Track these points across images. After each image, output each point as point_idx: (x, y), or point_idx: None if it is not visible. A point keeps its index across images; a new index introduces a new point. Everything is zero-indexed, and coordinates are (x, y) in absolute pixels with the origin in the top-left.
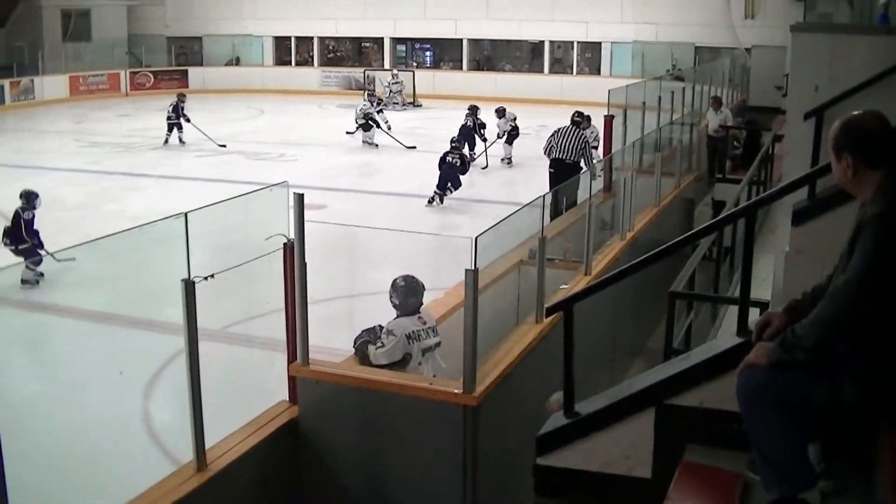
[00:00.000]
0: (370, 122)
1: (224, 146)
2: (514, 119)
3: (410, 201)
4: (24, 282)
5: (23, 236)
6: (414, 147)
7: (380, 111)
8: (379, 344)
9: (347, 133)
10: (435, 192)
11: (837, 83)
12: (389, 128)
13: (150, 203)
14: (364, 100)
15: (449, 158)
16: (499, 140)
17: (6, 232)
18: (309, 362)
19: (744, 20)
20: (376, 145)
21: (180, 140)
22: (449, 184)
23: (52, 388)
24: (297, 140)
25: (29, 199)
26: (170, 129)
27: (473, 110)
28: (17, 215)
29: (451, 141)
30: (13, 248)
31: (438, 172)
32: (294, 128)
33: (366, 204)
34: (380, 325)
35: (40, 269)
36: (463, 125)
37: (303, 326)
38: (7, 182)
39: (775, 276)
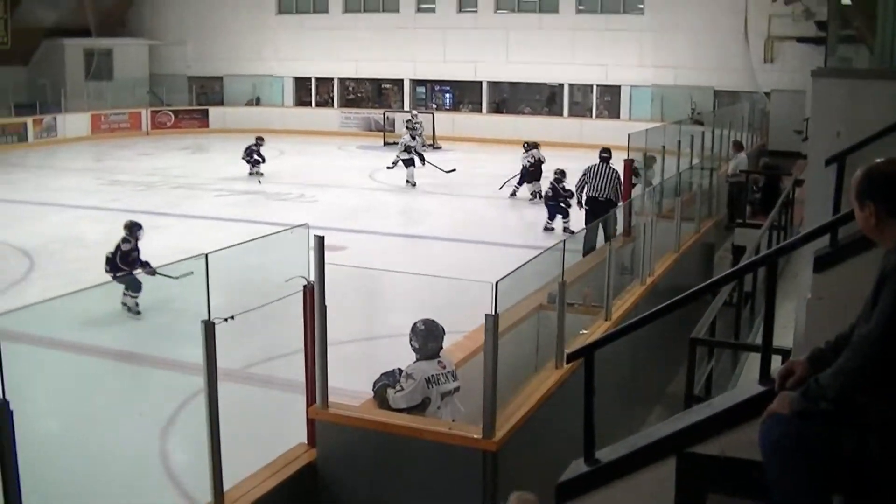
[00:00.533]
0: (413, 156)
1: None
2: (533, 156)
3: (430, 243)
4: (125, 306)
5: (119, 265)
6: (454, 170)
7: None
8: (398, 387)
9: (388, 168)
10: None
11: (859, 129)
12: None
13: (170, 242)
14: (405, 132)
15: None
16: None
17: (108, 259)
18: (328, 405)
19: (763, 64)
20: (414, 184)
21: (257, 176)
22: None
23: (72, 425)
24: (317, 181)
25: (131, 230)
26: (253, 164)
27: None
28: (116, 246)
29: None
30: (112, 275)
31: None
32: (314, 168)
33: (385, 245)
34: (399, 369)
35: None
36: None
37: (322, 369)
38: (29, 219)
39: (797, 323)
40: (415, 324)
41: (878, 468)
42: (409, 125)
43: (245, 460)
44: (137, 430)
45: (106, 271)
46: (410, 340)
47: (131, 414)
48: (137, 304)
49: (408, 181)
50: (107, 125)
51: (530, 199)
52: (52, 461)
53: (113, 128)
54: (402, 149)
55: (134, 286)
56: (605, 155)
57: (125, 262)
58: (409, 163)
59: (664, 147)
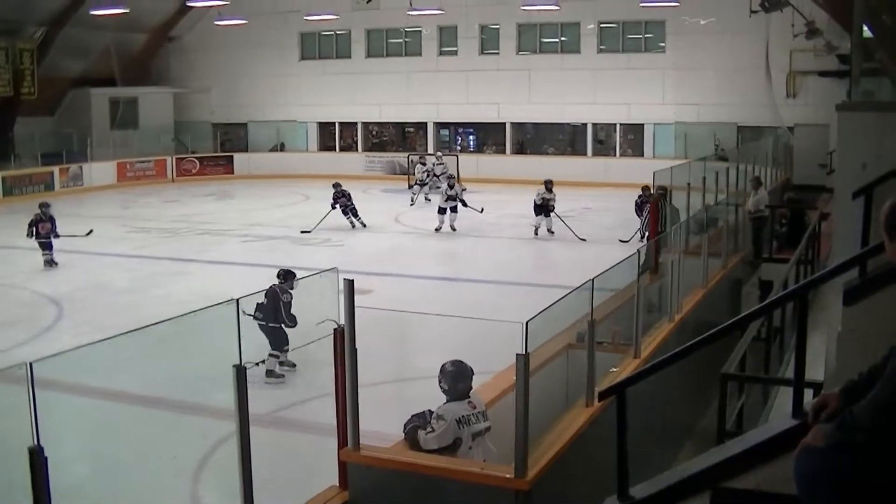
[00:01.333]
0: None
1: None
2: (544, 193)
3: (457, 285)
4: (269, 373)
5: (279, 316)
6: (482, 210)
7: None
8: (429, 429)
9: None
10: None
11: (885, 161)
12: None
13: (197, 288)
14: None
15: None
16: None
17: (259, 307)
18: (360, 447)
19: (785, 99)
20: (428, 199)
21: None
22: None
23: (103, 470)
24: (342, 225)
25: (287, 278)
26: (345, 213)
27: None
28: (274, 295)
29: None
30: (264, 324)
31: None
32: (339, 213)
33: (411, 288)
34: (429, 410)
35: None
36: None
37: (353, 411)
38: (57, 267)
39: (827, 356)
40: (444, 365)
41: None
42: (425, 170)
43: (278, 503)
44: (169, 474)
45: (256, 318)
46: (440, 382)
47: (162, 458)
48: (282, 364)
49: (452, 227)
50: (132, 173)
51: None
52: None
53: (139, 175)
54: (426, 189)
55: (282, 341)
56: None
57: (288, 317)
58: (451, 209)
59: (689, 184)
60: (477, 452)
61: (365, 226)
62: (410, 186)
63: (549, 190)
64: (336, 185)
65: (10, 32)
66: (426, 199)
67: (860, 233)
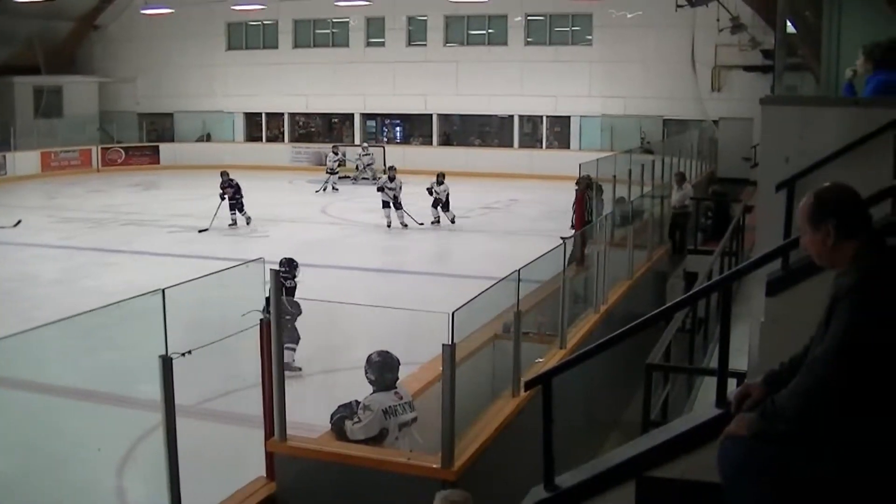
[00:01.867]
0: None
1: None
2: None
3: (383, 276)
4: (287, 366)
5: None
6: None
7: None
8: (356, 419)
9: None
10: None
11: (807, 155)
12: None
13: (123, 279)
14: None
15: None
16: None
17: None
18: (287, 438)
19: (710, 93)
20: (336, 189)
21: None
22: None
23: (26, 464)
24: (269, 216)
25: (289, 267)
26: (231, 209)
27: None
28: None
29: None
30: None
31: None
32: (265, 203)
33: (338, 279)
34: (356, 401)
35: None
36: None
37: (280, 402)
38: None
39: (751, 346)
40: (370, 355)
41: (835, 490)
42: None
43: (204, 495)
44: (94, 467)
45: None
46: (366, 372)
47: (87, 451)
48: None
49: (402, 223)
50: (57, 163)
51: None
52: (7, 499)
53: (63, 165)
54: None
55: (294, 334)
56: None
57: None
58: (386, 205)
59: (615, 176)
60: (403, 443)
61: (249, 222)
62: (355, 180)
63: (440, 183)
64: (223, 174)
65: None
66: (334, 188)
67: (783, 225)
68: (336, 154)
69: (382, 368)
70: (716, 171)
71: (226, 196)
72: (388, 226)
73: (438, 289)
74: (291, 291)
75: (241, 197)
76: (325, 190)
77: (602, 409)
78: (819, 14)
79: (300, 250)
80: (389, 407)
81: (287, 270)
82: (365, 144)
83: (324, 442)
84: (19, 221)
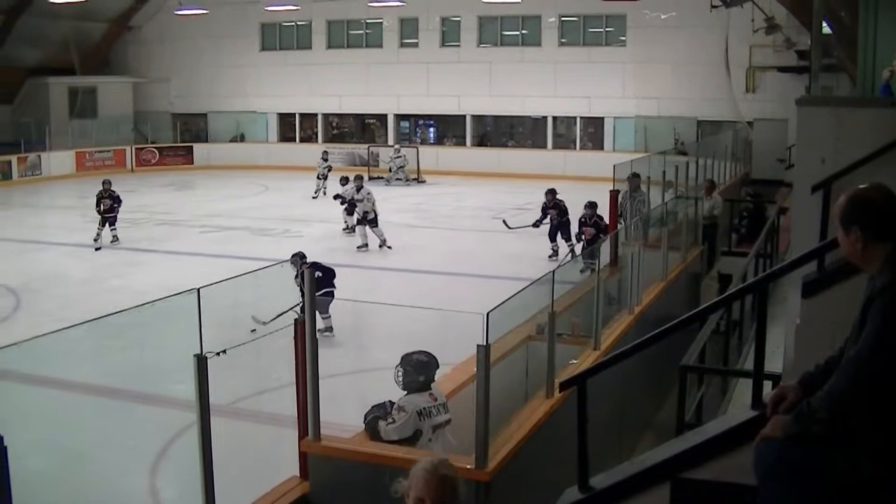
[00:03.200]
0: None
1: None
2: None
3: (417, 276)
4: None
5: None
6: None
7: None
8: (390, 420)
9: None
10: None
11: (843, 156)
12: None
13: (155, 279)
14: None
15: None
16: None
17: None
18: (320, 438)
19: (745, 94)
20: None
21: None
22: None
23: (60, 462)
24: (301, 216)
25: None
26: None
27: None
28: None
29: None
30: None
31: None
32: (298, 204)
33: (372, 279)
34: (390, 401)
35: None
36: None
37: (314, 402)
38: (14, 257)
39: (786, 348)
40: (409, 355)
41: (871, 490)
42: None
43: (238, 494)
44: (127, 465)
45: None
46: (399, 373)
47: (120, 450)
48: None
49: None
50: (91, 162)
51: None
52: (42, 498)
53: (97, 165)
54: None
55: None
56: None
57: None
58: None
59: (649, 177)
60: (436, 444)
61: (115, 240)
62: (370, 178)
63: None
64: (105, 183)
65: None
66: (324, 192)
67: (819, 227)
68: (325, 160)
69: (422, 368)
70: (750, 172)
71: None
72: (364, 246)
73: (470, 290)
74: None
75: (116, 212)
76: (323, 194)
77: (636, 411)
78: (855, 14)
79: (331, 250)
80: (424, 408)
81: (302, 260)
82: (397, 146)
83: (357, 442)
84: None
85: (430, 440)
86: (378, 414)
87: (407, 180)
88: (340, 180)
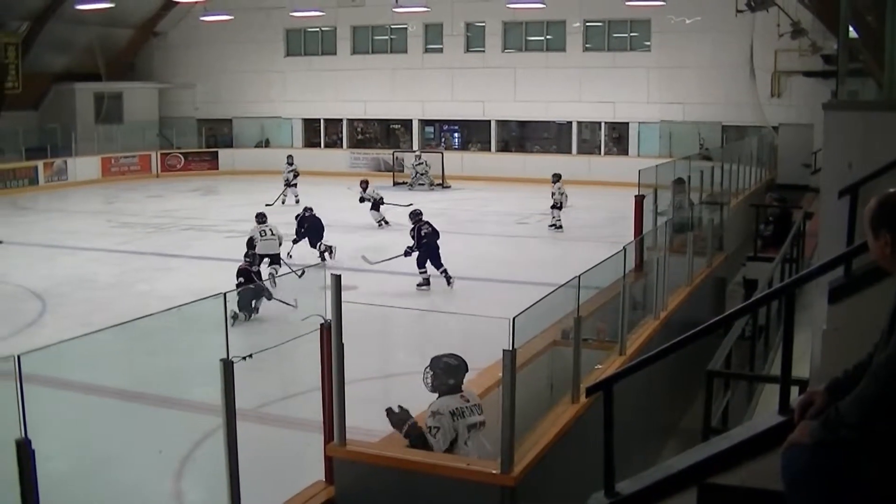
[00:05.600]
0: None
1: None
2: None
3: (441, 281)
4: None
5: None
6: (410, 204)
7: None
8: (432, 431)
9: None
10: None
11: (870, 160)
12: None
13: (181, 283)
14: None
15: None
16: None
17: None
18: (346, 442)
19: (770, 98)
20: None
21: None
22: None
23: (86, 465)
24: (326, 221)
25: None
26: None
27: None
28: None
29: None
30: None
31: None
32: (322, 209)
33: (396, 284)
34: (400, 406)
35: None
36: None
37: (340, 406)
38: (41, 261)
39: (813, 354)
40: (437, 358)
41: None
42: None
43: (263, 498)
44: (153, 469)
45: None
46: (430, 376)
47: (146, 454)
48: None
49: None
50: (117, 168)
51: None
52: (69, 501)
53: (123, 170)
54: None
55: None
56: None
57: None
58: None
59: (674, 182)
60: (472, 447)
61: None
62: (395, 184)
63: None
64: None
65: None
66: (283, 199)
67: (846, 231)
68: (290, 165)
69: (453, 372)
70: (775, 177)
71: None
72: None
73: (494, 294)
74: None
75: None
76: (283, 202)
77: (662, 416)
78: (882, 18)
79: (356, 255)
80: (457, 409)
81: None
82: (418, 153)
83: (383, 446)
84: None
85: (466, 443)
86: (410, 422)
87: (431, 185)
88: (361, 183)
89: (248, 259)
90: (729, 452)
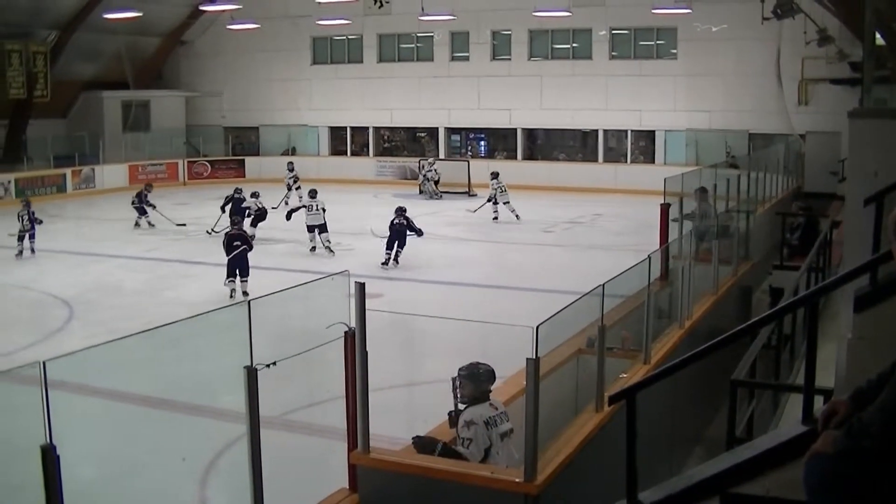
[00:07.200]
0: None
1: (183, 225)
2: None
3: (465, 289)
4: None
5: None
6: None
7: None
8: (464, 442)
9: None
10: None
11: None
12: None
13: (207, 291)
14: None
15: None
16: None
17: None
18: (370, 450)
19: (797, 106)
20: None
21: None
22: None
23: (111, 472)
24: (353, 229)
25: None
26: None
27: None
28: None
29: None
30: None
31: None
32: (350, 217)
33: (421, 292)
34: (430, 438)
35: None
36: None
37: (363, 414)
38: (68, 268)
39: (837, 363)
40: (465, 367)
41: None
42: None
43: None
44: (176, 476)
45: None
46: (458, 385)
47: (170, 460)
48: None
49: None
50: (144, 175)
51: None
52: None
53: (150, 178)
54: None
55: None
56: None
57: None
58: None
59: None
60: (502, 456)
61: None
62: (420, 192)
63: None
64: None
65: (24, 35)
66: (286, 202)
67: (871, 240)
68: (291, 171)
69: (481, 380)
70: (802, 185)
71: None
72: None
73: (518, 302)
74: (262, 215)
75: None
76: (286, 203)
77: (686, 425)
78: None
79: (380, 262)
80: (489, 418)
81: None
82: (431, 160)
83: (406, 455)
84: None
85: (498, 452)
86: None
87: (431, 195)
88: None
89: (237, 227)
90: (752, 462)
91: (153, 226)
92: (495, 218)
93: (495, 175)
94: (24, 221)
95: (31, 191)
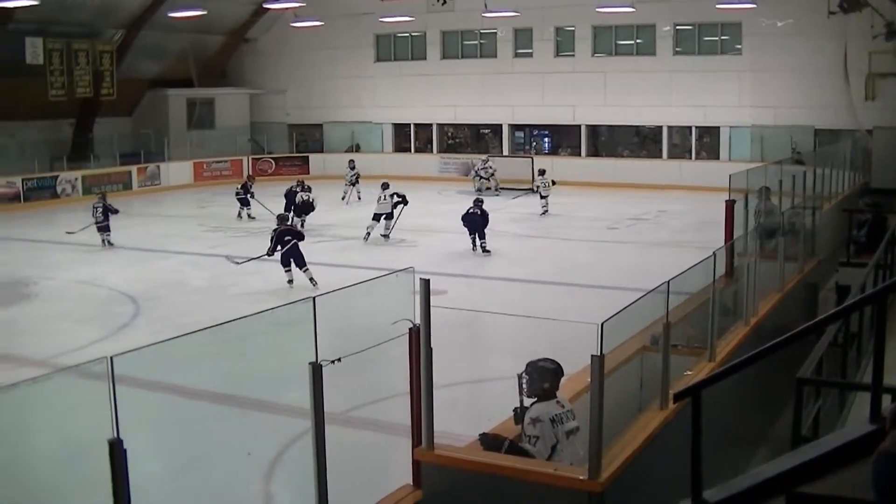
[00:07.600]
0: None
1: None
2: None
3: (529, 286)
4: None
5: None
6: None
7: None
8: (531, 440)
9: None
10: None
11: None
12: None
13: (273, 287)
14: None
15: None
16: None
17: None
18: (434, 447)
19: (864, 101)
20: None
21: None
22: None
23: (176, 466)
24: (417, 226)
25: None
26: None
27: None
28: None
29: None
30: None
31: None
32: (414, 214)
33: (485, 289)
34: (495, 434)
35: None
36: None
37: (428, 411)
38: (134, 265)
39: None
40: (533, 362)
41: None
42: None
43: (351, 501)
44: (242, 471)
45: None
46: (526, 380)
47: (236, 455)
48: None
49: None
50: (209, 173)
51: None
52: (159, 501)
53: (215, 175)
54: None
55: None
56: None
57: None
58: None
59: (767, 188)
60: (567, 454)
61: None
62: (477, 189)
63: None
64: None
65: (91, 35)
66: (358, 197)
67: None
68: (353, 169)
69: (549, 376)
70: (869, 182)
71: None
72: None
73: (581, 300)
74: (307, 207)
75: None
76: (347, 201)
77: (751, 424)
78: None
79: (448, 260)
80: (556, 415)
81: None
82: (485, 157)
83: (470, 451)
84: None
85: (563, 449)
86: (500, 440)
87: (496, 189)
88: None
89: (287, 223)
90: (818, 461)
91: (253, 218)
92: (544, 213)
93: (542, 172)
94: (97, 213)
95: (98, 188)
